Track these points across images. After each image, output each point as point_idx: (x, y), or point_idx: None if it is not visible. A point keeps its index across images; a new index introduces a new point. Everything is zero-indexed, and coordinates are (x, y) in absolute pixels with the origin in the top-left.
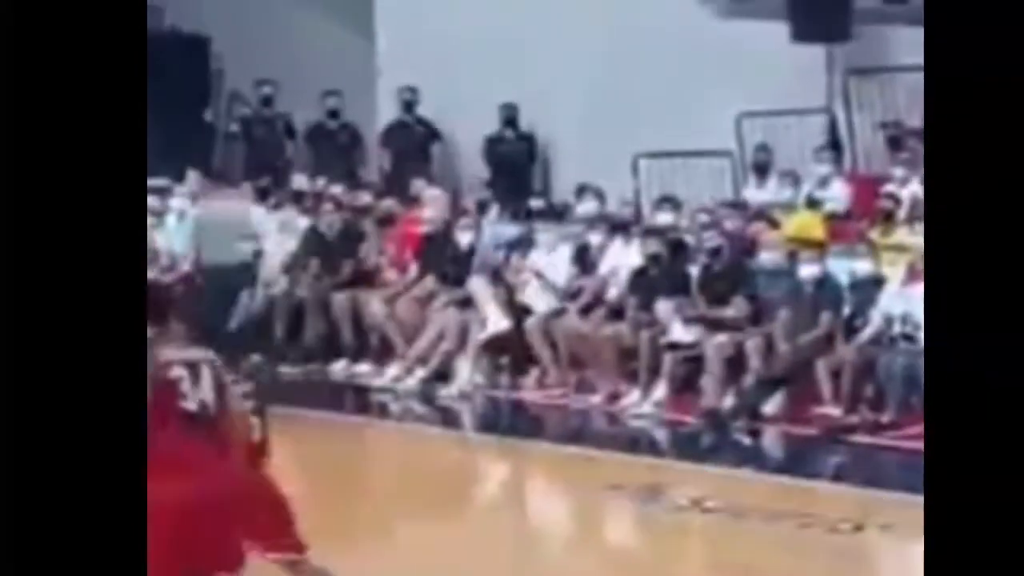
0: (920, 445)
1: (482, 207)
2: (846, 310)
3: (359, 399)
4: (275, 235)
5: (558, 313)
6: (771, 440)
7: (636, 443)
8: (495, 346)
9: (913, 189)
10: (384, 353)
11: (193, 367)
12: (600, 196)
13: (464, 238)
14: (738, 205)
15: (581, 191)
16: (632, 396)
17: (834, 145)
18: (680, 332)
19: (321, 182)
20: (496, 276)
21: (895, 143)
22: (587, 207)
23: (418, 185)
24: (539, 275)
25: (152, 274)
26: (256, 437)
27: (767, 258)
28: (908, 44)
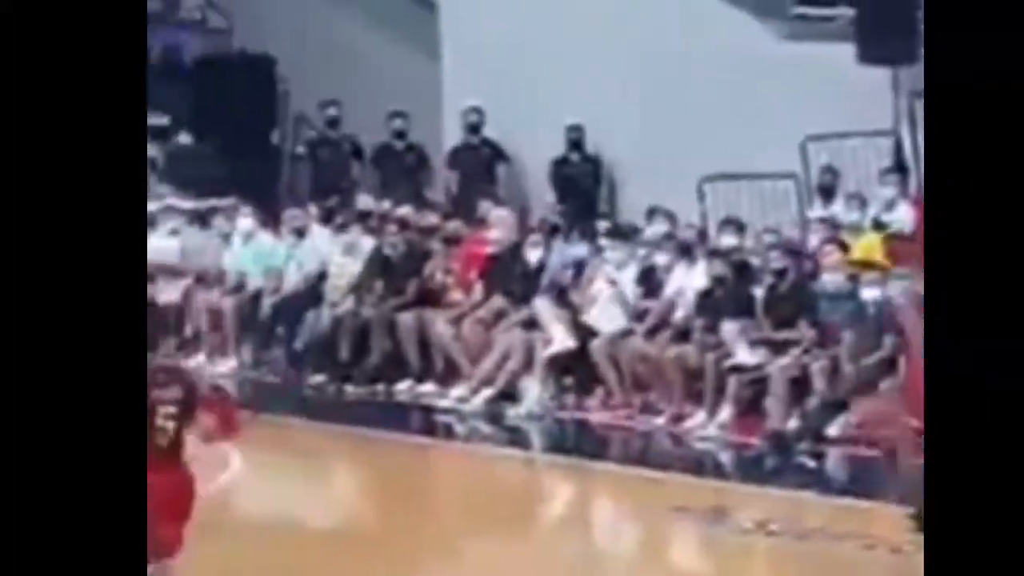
0: None
1: (550, 228)
2: None
3: (424, 419)
4: (340, 256)
5: (624, 334)
6: (835, 462)
7: (701, 465)
8: (560, 365)
9: None
10: (449, 373)
11: (176, 404)
12: (671, 218)
13: (532, 256)
14: (824, 220)
15: (652, 213)
16: (697, 418)
17: (900, 168)
18: (745, 354)
19: (387, 203)
20: (562, 296)
21: None
22: (657, 229)
23: (484, 206)
24: (613, 282)
25: (217, 294)
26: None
27: (829, 280)
28: None
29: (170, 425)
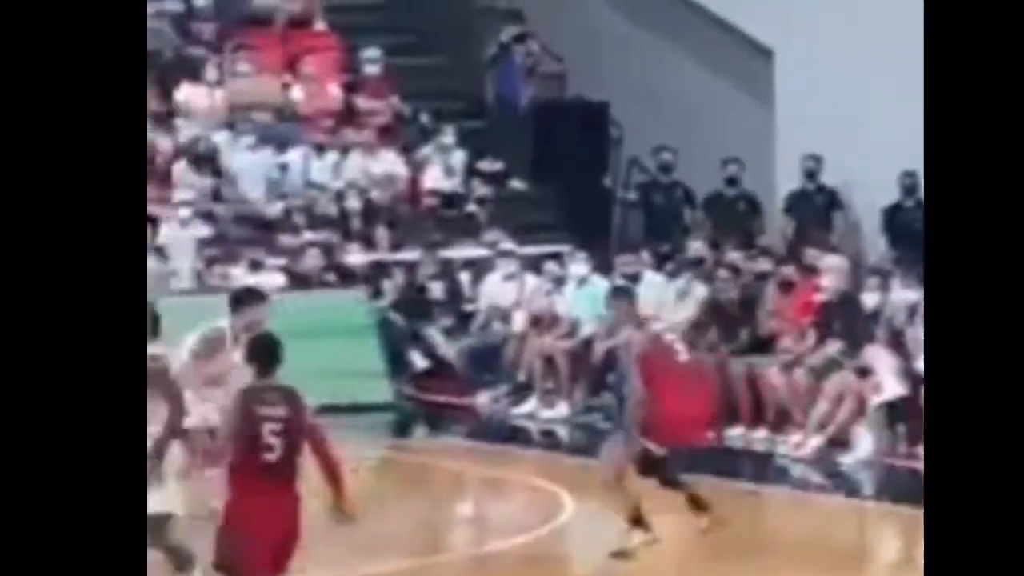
0: None
1: (884, 275)
2: None
3: (756, 465)
4: (673, 302)
5: None
6: None
7: None
8: (892, 413)
9: None
10: (780, 420)
11: (282, 422)
12: None
13: (868, 303)
14: None
15: None
16: None
17: None
18: None
19: (725, 250)
20: (895, 343)
21: None
22: None
23: (812, 254)
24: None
25: (550, 339)
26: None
27: None
28: None
29: (275, 441)
